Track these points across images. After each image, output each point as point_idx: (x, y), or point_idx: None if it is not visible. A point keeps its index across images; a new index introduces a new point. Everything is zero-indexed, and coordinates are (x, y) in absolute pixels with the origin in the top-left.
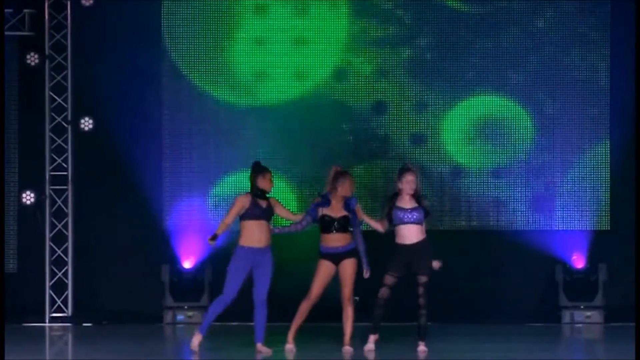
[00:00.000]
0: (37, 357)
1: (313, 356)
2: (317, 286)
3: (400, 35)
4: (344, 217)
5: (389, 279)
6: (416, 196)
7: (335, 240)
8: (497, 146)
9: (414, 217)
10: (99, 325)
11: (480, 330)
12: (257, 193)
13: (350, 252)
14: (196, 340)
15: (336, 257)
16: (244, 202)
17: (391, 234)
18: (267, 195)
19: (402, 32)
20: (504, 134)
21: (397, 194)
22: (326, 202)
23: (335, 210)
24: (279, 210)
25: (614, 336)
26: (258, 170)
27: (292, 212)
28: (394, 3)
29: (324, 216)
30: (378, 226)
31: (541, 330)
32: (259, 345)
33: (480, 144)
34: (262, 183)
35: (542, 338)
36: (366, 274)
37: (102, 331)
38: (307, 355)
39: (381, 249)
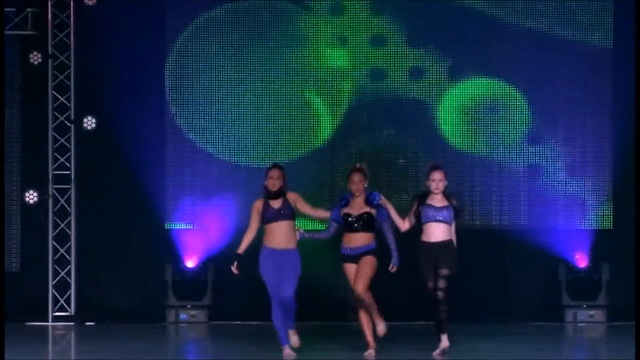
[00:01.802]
0: (39, 356)
1: (318, 356)
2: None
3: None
4: (367, 213)
5: (432, 283)
6: (446, 194)
7: (356, 240)
8: (499, 145)
9: (443, 215)
10: (101, 325)
11: (483, 329)
12: (266, 194)
13: (371, 251)
14: (287, 351)
15: (357, 258)
16: (257, 207)
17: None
18: (288, 192)
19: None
20: (505, 132)
21: (428, 193)
22: (345, 202)
23: (356, 208)
24: (300, 206)
25: (617, 335)
26: (266, 170)
27: (313, 207)
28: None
29: (345, 215)
30: (400, 222)
31: (544, 329)
32: (293, 341)
33: (482, 142)
34: (266, 182)
35: (545, 337)
36: (393, 268)
37: (105, 330)
38: (311, 355)
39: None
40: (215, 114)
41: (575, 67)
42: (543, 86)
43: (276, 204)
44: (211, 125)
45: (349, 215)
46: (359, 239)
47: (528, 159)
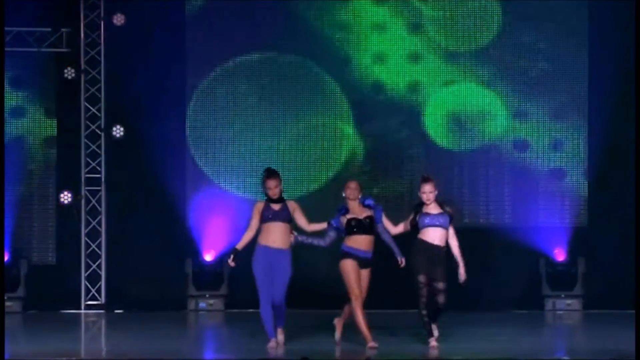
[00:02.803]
0: (74, 341)
1: (312, 345)
2: (357, 284)
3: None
4: (369, 217)
5: (423, 278)
6: (439, 203)
7: (361, 241)
8: (485, 150)
9: (440, 221)
10: (129, 312)
11: (471, 317)
12: (269, 198)
13: (370, 262)
14: (272, 343)
15: (358, 261)
16: (259, 208)
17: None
18: (288, 199)
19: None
20: (492, 138)
21: (423, 203)
22: (345, 210)
23: (358, 212)
24: (296, 217)
25: (592, 322)
26: (263, 177)
27: (308, 221)
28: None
29: (349, 220)
30: (390, 226)
31: (526, 317)
32: (277, 339)
33: (472, 147)
34: (266, 190)
35: (527, 324)
36: (402, 262)
37: (132, 317)
38: (305, 344)
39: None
40: (239, 118)
41: (555, 71)
42: (526, 91)
43: (276, 206)
44: (229, 131)
45: (353, 219)
46: (364, 241)
47: (511, 162)
